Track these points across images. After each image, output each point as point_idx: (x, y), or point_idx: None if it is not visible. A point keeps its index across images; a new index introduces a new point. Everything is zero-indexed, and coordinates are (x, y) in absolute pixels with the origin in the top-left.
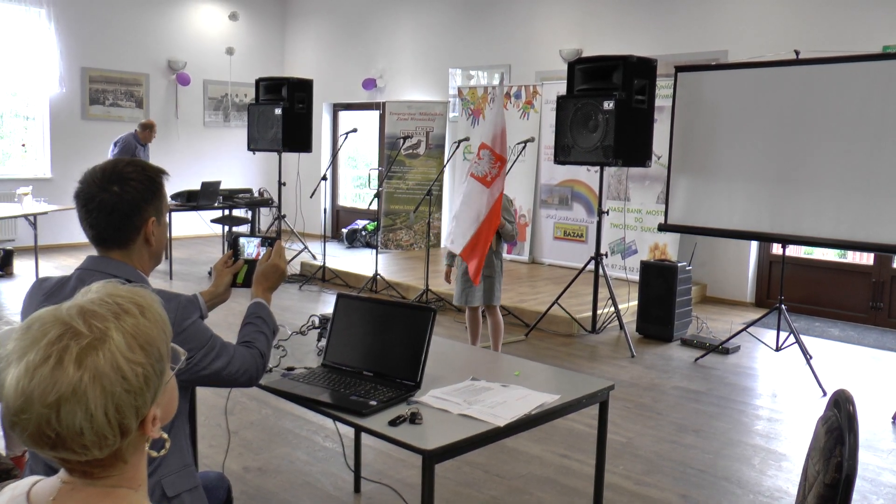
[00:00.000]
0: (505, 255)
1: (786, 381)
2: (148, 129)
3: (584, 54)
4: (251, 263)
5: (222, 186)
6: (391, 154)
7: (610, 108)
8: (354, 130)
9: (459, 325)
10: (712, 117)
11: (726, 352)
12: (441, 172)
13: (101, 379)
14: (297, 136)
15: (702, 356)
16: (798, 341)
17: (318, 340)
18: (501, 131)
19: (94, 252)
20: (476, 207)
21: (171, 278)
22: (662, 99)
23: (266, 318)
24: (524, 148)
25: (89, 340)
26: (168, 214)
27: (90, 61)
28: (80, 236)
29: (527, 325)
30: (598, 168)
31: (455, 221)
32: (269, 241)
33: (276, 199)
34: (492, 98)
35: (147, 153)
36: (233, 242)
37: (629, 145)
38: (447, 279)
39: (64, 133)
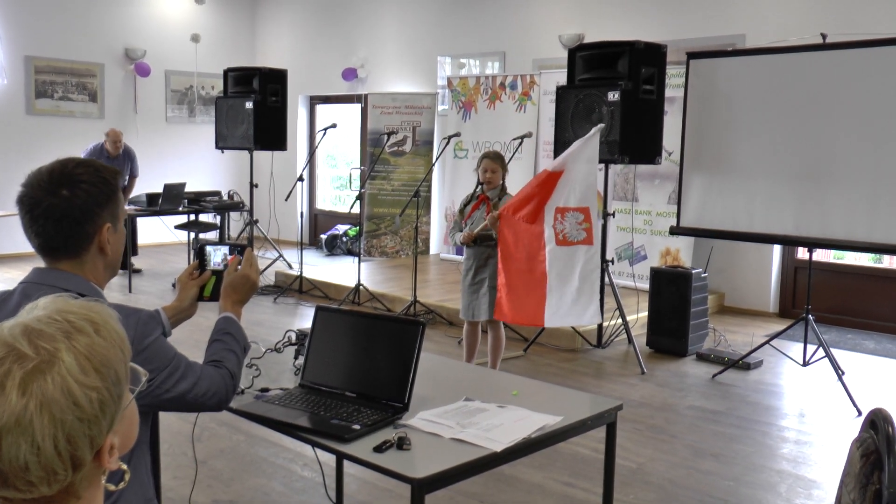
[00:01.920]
0: None
1: (815, 400)
2: (114, 140)
3: (586, 40)
4: (219, 274)
5: (187, 189)
6: (374, 152)
7: (615, 100)
8: (333, 126)
9: (451, 341)
10: (729, 108)
11: (747, 367)
12: (429, 171)
13: (49, 406)
14: (270, 132)
15: (720, 372)
16: (828, 355)
17: (296, 358)
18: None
19: (40, 263)
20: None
21: (129, 291)
22: (673, 89)
23: (236, 335)
24: (521, 144)
25: (35, 363)
26: (126, 220)
27: (36, 49)
28: (24, 245)
29: (525, 339)
30: (602, 166)
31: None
32: (238, 249)
33: (247, 202)
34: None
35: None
36: (199, 251)
37: (637, 140)
38: (465, 240)
39: (6, 130)
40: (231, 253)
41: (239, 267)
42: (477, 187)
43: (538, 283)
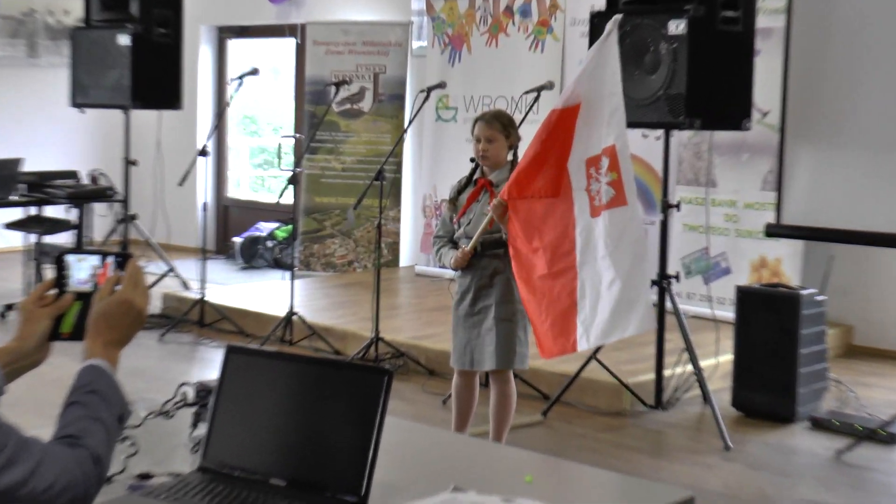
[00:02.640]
0: None
1: None
2: None
3: None
4: (86, 299)
5: (26, 168)
6: (316, 112)
7: (679, 33)
8: (254, 72)
9: (432, 399)
10: (855, 45)
11: (891, 441)
12: (399, 142)
13: None
14: (156, 82)
15: (848, 448)
16: None
17: (194, 427)
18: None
19: None
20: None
21: None
22: (768, 16)
23: (107, 395)
24: (537, 100)
25: None
26: None
27: None
28: None
29: (545, 396)
30: (660, 133)
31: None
32: (117, 260)
33: (119, 188)
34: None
35: None
36: (56, 263)
37: (713, 95)
38: (464, 259)
39: None
40: (104, 265)
41: (118, 287)
42: (474, 169)
43: (565, 289)
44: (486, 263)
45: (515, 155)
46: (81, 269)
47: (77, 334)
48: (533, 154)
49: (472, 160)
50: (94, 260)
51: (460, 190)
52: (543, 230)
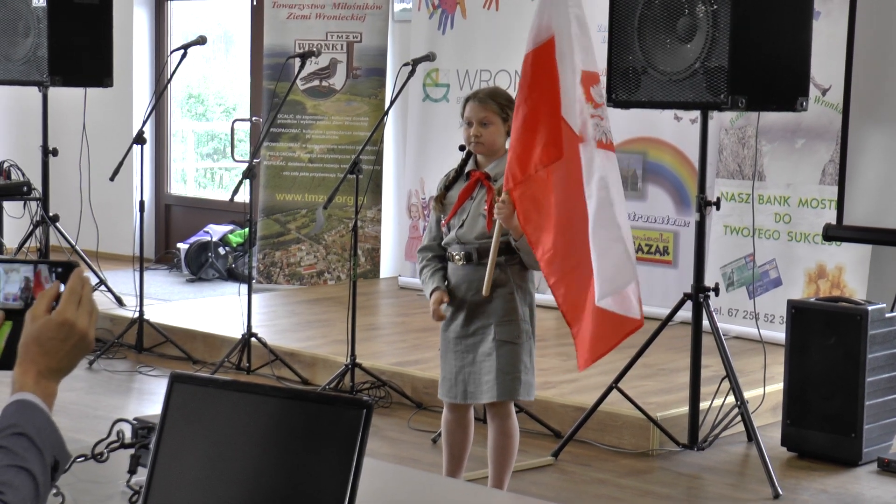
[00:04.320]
0: (539, 296)
1: None
2: None
3: None
4: (16, 318)
5: None
6: (277, 90)
7: None
8: (201, 42)
9: (419, 436)
10: None
11: None
12: (379, 126)
13: None
14: (80, 54)
15: None
16: None
17: (132, 473)
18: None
19: None
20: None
21: None
22: None
23: (37, 438)
24: None
25: None
26: None
27: None
28: None
29: (556, 434)
30: (696, 115)
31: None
32: (56, 272)
33: (36, 183)
34: None
35: None
36: None
37: (761, 67)
38: (439, 313)
39: None
40: (40, 277)
41: (56, 305)
42: (466, 159)
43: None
44: (482, 275)
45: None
46: (11, 282)
47: (5, 362)
48: (522, 119)
49: (462, 148)
50: (27, 271)
51: (449, 185)
52: (564, 207)
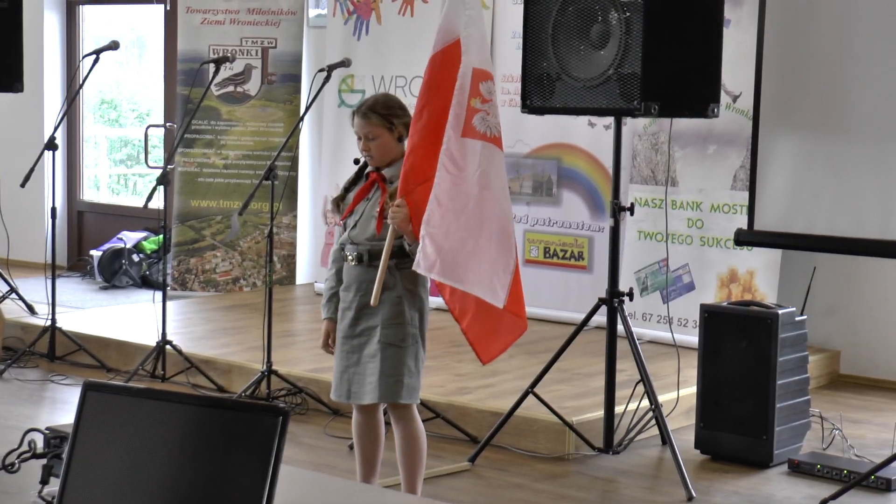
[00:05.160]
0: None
1: None
2: None
3: None
4: None
5: None
6: (192, 95)
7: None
8: (113, 47)
9: (336, 443)
10: (845, 15)
11: (886, 488)
12: (294, 132)
13: None
14: None
15: (833, 497)
16: None
17: (44, 484)
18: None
19: None
20: (498, 203)
21: None
22: None
23: None
24: None
25: None
26: None
27: None
28: None
29: (473, 439)
30: (610, 122)
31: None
32: None
33: None
34: None
35: None
36: None
37: (673, 74)
38: (328, 346)
39: None
40: None
41: None
42: (365, 164)
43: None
44: (373, 277)
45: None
46: None
47: None
48: (423, 123)
49: (356, 161)
50: None
51: (349, 186)
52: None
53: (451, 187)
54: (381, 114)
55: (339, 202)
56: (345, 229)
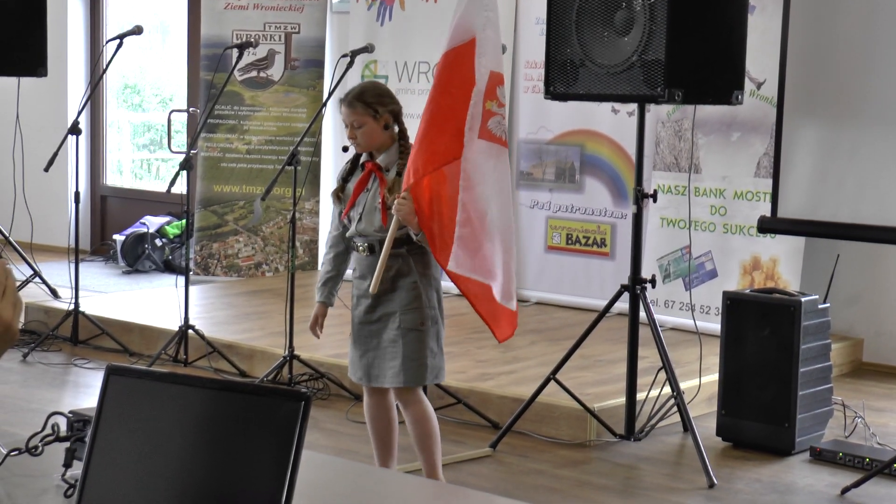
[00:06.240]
0: (444, 282)
1: None
2: None
3: None
4: None
5: None
6: (214, 81)
7: None
8: (137, 31)
9: (357, 428)
10: (870, 3)
11: None
12: (317, 117)
13: None
14: (13, 42)
15: (856, 484)
16: None
17: (67, 467)
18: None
19: None
20: (507, 207)
21: None
22: None
23: None
24: None
25: None
26: None
27: None
28: None
29: (494, 425)
30: (633, 108)
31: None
32: None
33: None
34: None
35: None
36: None
37: (697, 61)
38: (316, 328)
39: None
40: None
41: None
42: (360, 155)
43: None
44: (389, 263)
45: (402, 127)
46: None
47: None
48: (430, 116)
49: (345, 149)
50: None
51: (346, 177)
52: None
53: (474, 189)
54: (366, 102)
55: (339, 194)
56: (350, 222)
